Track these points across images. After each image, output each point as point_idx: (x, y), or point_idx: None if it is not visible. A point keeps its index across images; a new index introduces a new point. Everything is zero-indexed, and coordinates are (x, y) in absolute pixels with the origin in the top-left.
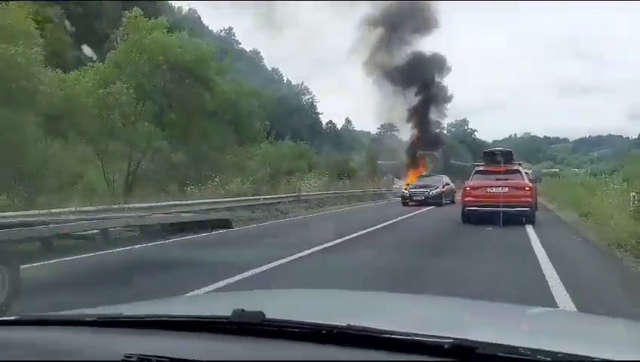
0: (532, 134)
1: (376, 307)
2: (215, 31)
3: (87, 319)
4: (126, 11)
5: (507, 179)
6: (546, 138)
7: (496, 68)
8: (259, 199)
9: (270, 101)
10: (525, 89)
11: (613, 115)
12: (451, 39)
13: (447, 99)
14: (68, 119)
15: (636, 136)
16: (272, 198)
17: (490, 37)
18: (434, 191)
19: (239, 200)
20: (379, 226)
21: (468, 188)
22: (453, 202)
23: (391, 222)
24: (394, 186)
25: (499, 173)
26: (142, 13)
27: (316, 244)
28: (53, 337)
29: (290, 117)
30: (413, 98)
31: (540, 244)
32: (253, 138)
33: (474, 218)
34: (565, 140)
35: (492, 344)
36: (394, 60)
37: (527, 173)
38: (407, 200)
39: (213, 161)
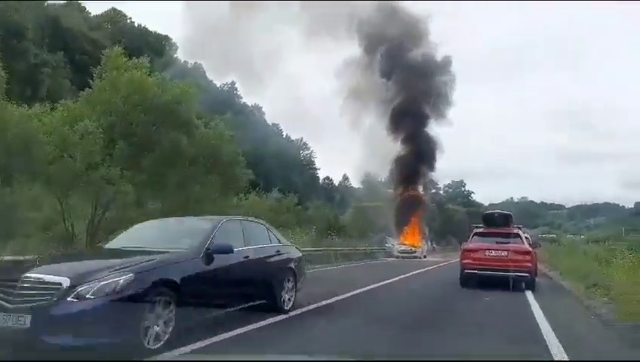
0: (529, 199)
1: None
2: (219, 85)
3: None
4: (106, 49)
5: (507, 243)
6: (543, 203)
7: (494, 133)
8: None
9: (267, 154)
10: (523, 155)
11: (608, 183)
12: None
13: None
14: (23, 158)
15: (632, 206)
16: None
17: (490, 102)
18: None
19: None
20: (359, 291)
21: (466, 251)
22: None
23: (380, 284)
24: (386, 245)
25: (498, 235)
26: (122, 52)
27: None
28: None
29: (285, 170)
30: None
31: (549, 327)
32: (235, 188)
33: (472, 282)
34: (561, 207)
35: None
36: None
37: (527, 238)
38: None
39: (191, 211)
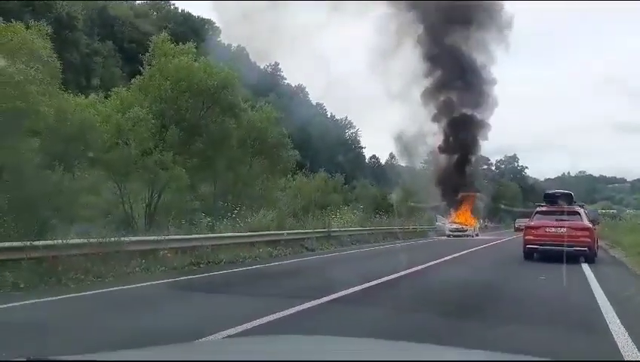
0: (587, 173)
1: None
2: (262, 67)
3: None
4: (153, 36)
5: (567, 220)
6: (602, 177)
7: (547, 105)
8: (282, 234)
9: (312, 135)
10: (578, 127)
11: None
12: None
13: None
14: (79, 145)
15: None
16: (297, 233)
17: (541, 73)
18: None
19: (260, 235)
20: (405, 272)
21: (529, 228)
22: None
23: (427, 265)
24: (437, 223)
25: (559, 213)
26: (169, 38)
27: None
28: None
29: (331, 150)
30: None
31: (619, 322)
32: (282, 169)
33: (535, 254)
34: (623, 180)
35: None
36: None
37: (586, 214)
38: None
39: (240, 193)
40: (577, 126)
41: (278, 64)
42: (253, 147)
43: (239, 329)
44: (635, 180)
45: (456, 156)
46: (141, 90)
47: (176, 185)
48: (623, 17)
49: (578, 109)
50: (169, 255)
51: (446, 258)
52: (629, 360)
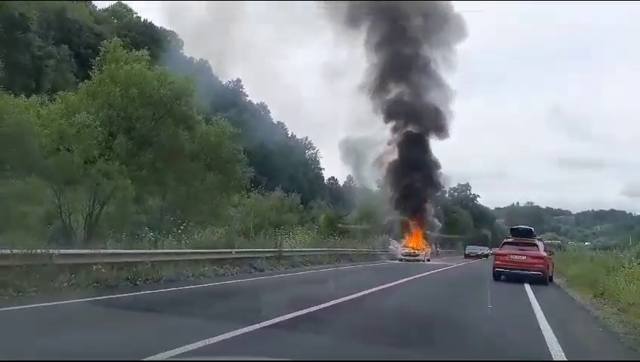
0: (534, 204)
1: None
2: (224, 82)
3: None
4: (105, 41)
5: (527, 250)
6: (549, 209)
7: (499, 137)
8: (230, 252)
9: (273, 153)
10: (528, 160)
11: (613, 190)
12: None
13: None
14: (17, 150)
15: (639, 213)
16: (246, 252)
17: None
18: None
19: (205, 253)
20: (357, 295)
21: (498, 255)
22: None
23: (380, 288)
24: (390, 247)
25: (522, 244)
26: (121, 44)
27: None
28: None
29: (290, 169)
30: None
31: (555, 342)
32: (236, 186)
33: (502, 276)
34: (568, 212)
35: None
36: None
37: (544, 246)
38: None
39: (191, 208)
40: (527, 158)
41: (240, 80)
42: (207, 161)
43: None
44: (578, 213)
45: (409, 178)
46: (89, 95)
47: (122, 196)
48: (574, 54)
49: (527, 143)
50: (103, 270)
51: (397, 282)
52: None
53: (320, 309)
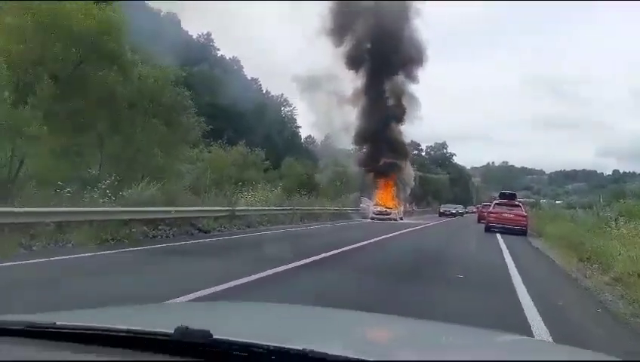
0: (509, 164)
1: (334, 327)
2: (195, 37)
3: (14, 327)
4: None
5: (513, 210)
6: (523, 168)
7: (477, 98)
8: (170, 211)
9: (248, 110)
10: (505, 120)
11: (586, 150)
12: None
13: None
14: None
15: (610, 173)
16: (190, 211)
17: (471, 68)
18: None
19: (134, 212)
20: (312, 259)
21: (490, 212)
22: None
23: (342, 250)
24: (361, 205)
25: (509, 205)
26: None
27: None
28: None
29: (264, 128)
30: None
31: (545, 332)
32: (184, 137)
33: (494, 229)
34: (542, 172)
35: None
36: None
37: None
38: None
39: (131, 162)
40: (503, 119)
41: (211, 34)
42: (148, 109)
43: None
44: (552, 173)
45: (377, 136)
46: None
47: (42, 150)
48: (554, 18)
49: (504, 104)
50: None
51: (362, 243)
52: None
53: (229, 288)
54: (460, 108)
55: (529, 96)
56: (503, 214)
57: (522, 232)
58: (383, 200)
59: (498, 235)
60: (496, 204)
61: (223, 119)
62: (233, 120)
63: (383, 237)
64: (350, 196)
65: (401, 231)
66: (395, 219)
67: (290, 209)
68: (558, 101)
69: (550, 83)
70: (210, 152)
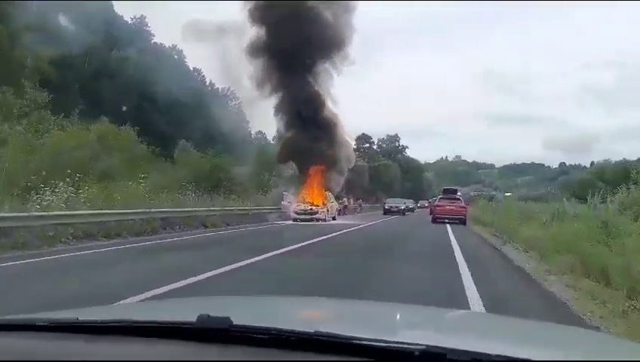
0: (462, 158)
1: (344, 313)
2: (130, 21)
3: (39, 324)
4: None
5: (454, 203)
6: (475, 163)
7: (432, 93)
8: None
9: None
10: (457, 115)
11: (534, 144)
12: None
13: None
14: None
15: (557, 166)
16: None
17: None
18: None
19: None
20: None
21: (436, 206)
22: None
23: None
24: (282, 203)
25: (450, 199)
26: None
27: None
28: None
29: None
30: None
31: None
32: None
33: (439, 220)
34: (492, 166)
35: (462, 350)
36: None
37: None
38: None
39: None
40: (456, 115)
41: (145, 17)
42: None
43: None
44: (502, 166)
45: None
46: None
47: None
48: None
49: (457, 100)
50: None
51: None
52: None
53: None
54: (413, 104)
55: (480, 92)
56: (446, 207)
57: (462, 221)
58: (308, 195)
59: (464, 265)
60: (441, 198)
61: (157, 111)
62: (168, 111)
63: (232, 267)
64: (270, 192)
65: (313, 240)
66: (324, 220)
67: (145, 212)
68: (509, 97)
69: (501, 80)
70: (61, 129)
